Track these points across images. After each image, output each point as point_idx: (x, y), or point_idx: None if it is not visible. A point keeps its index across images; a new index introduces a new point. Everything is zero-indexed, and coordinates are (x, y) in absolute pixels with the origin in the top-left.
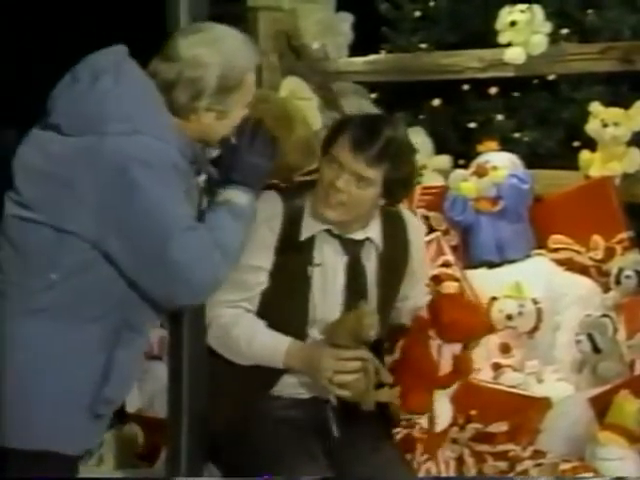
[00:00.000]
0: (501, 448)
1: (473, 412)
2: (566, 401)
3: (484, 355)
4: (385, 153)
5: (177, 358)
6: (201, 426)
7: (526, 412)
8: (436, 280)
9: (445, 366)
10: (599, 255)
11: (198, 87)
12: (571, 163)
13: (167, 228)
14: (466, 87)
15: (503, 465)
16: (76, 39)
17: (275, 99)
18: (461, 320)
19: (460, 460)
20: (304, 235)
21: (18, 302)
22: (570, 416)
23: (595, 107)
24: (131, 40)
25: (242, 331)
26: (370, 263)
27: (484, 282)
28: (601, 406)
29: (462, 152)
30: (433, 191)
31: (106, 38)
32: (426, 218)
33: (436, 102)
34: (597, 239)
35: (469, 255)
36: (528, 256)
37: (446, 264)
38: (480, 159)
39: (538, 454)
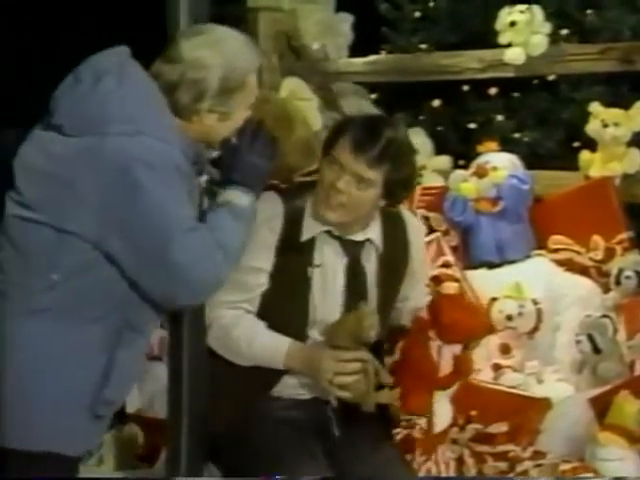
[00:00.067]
0: (501, 449)
1: (473, 413)
2: (566, 402)
3: (484, 356)
4: (386, 154)
5: (177, 359)
6: (201, 426)
7: (526, 413)
8: (436, 281)
9: (445, 367)
10: (599, 255)
11: (200, 88)
12: (571, 163)
13: (169, 229)
14: (466, 88)
15: (503, 466)
16: (76, 39)
17: (275, 100)
18: (461, 321)
19: (460, 460)
20: (304, 236)
21: (19, 302)
22: (570, 417)
23: (595, 107)
24: (131, 40)
25: (242, 332)
26: (370, 264)
27: (484, 283)
28: (601, 407)
29: (462, 153)
30: (433, 192)
31: (106, 38)
32: (426, 219)
33: (436, 103)
34: (597, 239)
35: (469, 256)
36: (528, 257)
37: (446, 265)
38: (480, 160)
39: (538, 455)
